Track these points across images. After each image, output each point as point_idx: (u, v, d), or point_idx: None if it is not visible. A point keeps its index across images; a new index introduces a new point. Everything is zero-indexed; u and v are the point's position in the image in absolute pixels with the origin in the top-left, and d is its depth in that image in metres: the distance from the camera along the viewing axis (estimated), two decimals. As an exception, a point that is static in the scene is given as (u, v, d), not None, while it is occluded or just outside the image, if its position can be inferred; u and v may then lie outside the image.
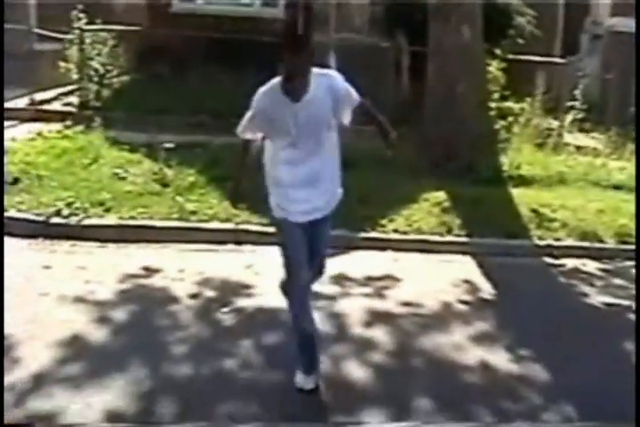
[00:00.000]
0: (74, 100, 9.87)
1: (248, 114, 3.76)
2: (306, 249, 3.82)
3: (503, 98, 10.64)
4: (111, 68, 9.99)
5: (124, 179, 6.92)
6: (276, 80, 3.60)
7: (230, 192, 4.10)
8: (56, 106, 9.90)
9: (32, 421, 3.07)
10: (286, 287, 3.96)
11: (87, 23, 9.67)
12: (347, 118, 3.81)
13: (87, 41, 9.77)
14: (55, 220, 6.08)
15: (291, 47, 3.38)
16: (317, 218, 3.84)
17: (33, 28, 10.18)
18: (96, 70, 9.83)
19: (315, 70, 3.54)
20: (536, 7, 12.84)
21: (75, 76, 9.80)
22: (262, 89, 3.65)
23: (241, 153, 3.94)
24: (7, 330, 4.16)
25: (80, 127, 8.45)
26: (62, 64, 9.74)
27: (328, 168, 3.81)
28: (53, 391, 3.60)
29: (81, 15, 9.56)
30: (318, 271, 4.13)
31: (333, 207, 3.95)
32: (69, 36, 9.74)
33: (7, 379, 3.67)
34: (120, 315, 4.56)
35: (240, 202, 4.23)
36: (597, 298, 5.64)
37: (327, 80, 3.61)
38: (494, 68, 10.74)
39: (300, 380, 3.80)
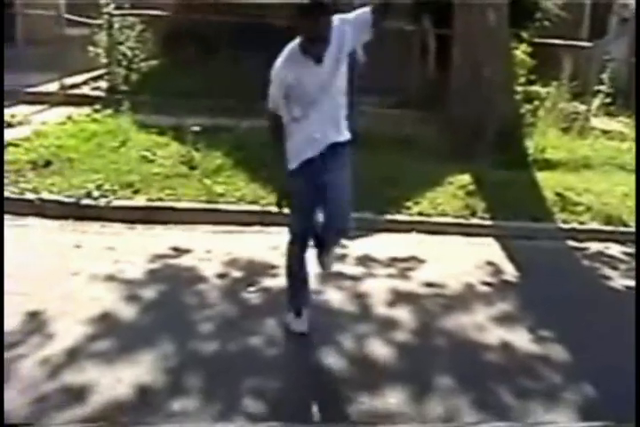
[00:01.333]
0: (103, 84, 10.00)
1: (272, 87, 3.79)
2: (314, 203, 3.90)
3: (530, 82, 10.60)
4: (139, 52, 10.08)
5: (152, 161, 7.03)
6: (292, 46, 3.69)
7: (279, 195, 4.06)
8: (85, 90, 10.04)
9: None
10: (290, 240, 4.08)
11: (115, 8, 9.77)
12: (363, 38, 3.85)
13: (116, 26, 9.88)
14: (85, 201, 6.21)
15: (315, 11, 3.48)
16: (331, 151, 3.85)
17: (63, 14, 10.29)
18: (124, 55, 9.95)
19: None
20: (562, -10, 12.71)
21: (103, 61, 9.93)
22: (280, 58, 3.72)
23: (273, 134, 3.91)
24: (41, 306, 4.31)
25: (109, 111, 8.57)
26: (91, 49, 9.85)
27: (339, 108, 3.87)
28: (85, 366, 3.72)
29: (109, 0, 9.67)
30: (341, 229, 4.02)
31: (346, 146, 3.95)
32: (98, 21, 9.85)
33: (42, 353, 3.81)
34: (149, 293, 4.67)
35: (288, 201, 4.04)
36: (620, 281, 5.66)
37: (338, 26, 3.64)
38: (521, 51, 10.69)
39: (292, 322, 4.07)
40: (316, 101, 3.74)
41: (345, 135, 3.96)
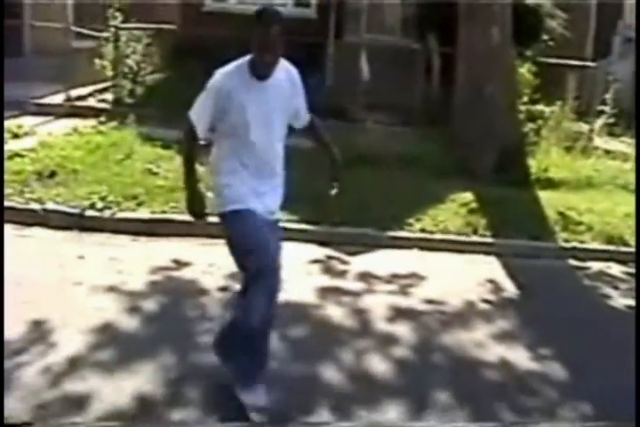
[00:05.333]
0: (108, 96, 10.06)
1: (203, 96, 3.54)
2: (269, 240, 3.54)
3: (534, 101, 10.67)
4: (145, 65, 10.17)
5: (156, 174, 7.07)
6: (240, 61, 3.51)
7: (189, 205, 3.66)
8: (91, 102, 10.11)
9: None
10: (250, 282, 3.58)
11: (122, 22, 9.87)
12: (298, 121, 3.72)
13: (122, 39, 9.96)
14: (89, 213, 6.24)
15: (263, 19, 3.40)
16: (269, 220, 3.63)
17: (71, 26, 10.39)
18: (130, 68, 10.03)
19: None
20: (568, 10, 12.81)
21: (110, 73, 10.01)
22: (223, 70, 3.53)
23: (186, 153, 3.66)
24: (44, 315, 4.33)
25: (114, 123, 8.62)
26: (98, 61, 9.94)
27: (278, 163, 3.64)
28: (86, 375, 3.75)
29: (117, 14, 9.77)
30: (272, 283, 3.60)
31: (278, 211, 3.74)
32: (105, 34, 9.94)
33: (43, 362, 3.83)
34: (150, 305, 4.70)
35: (203, 212, 3.68)
36: (620, 301, 5.68)
37: (289, 70, 3.58)
38: (525, 70, 10.77)
39: (246, 396, 3.51)
40: (256, 130, 3.47)
41: (278, 204, 3.71)
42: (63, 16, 10.52)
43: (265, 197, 3.57)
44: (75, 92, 10.05)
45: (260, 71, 3.46)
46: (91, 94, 10.29)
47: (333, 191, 3.82)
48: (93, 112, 9.35)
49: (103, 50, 9.97)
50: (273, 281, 3.54)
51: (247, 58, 3.49)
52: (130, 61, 10.04)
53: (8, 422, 2.36)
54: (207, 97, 3.52)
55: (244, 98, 3.45)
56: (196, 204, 3.61)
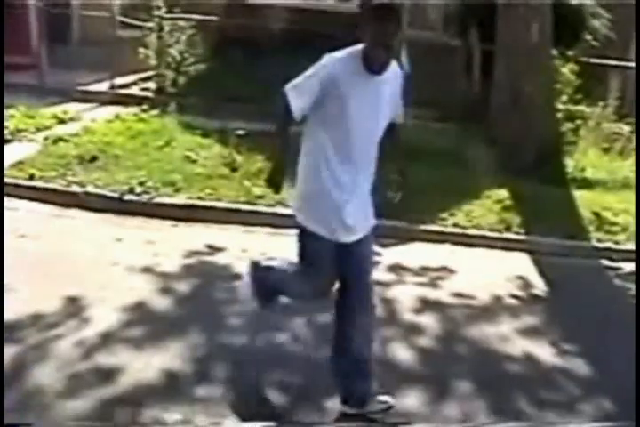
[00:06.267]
0: (151, 85, 10.23)
1: (309, 75, 3.28)
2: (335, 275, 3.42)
3: (575, 101, 10.59)
4: (188, 55, 10.31)
5: (194, 162, 7.20)
6: (353, 49, 3.29)
7: (271, 176, 3.40)
8: (134, 90, 10.28)
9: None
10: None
11: (167, 12, 10.03)
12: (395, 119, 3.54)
13: (166, 29, 10.12)
14: (128, 197, 6.39)
15: (383, 13, 3.15)
16: (359, 238, 3.42)
17: (116, 16, 10.58)
18: (173, 57, 10.18)
19: None
20: (612, 10, 12.67)
21: (153, 63, 10.17)
22: (336, 54, 3.30)
23: (280, 127, 3.37)
24: (80, 292, 4.47)
25: (156, 111, 8.78)
26: (142, 51, 10.11)
27: (372, 164, 3.43)
28: (117, 350, 3.88)
29: (161, 4, 9.93)
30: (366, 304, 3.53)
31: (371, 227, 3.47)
32: (149, 24, 10.11)
33: (77, 336, 3.97)
34: (183, 287, 4.82)
35: (280, 185, 3.42)
36: (651, 302, 5.66)
37: (395, 67, 3.39)
38: (567, 70, 10.69)
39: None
40: (357, 125, 3.27)
41: (371, 219, 3.50)
42: (109, 6, 10.68)
43: (348, 207, 3.34)
44: (119, 81, 10.25)
45: (375, 67, 3.25)
46: (134, 83, 10.47)
47: (396, 198, 3.71)
48: (136, 100, 9.53)
49: (147, 39, 10.14)
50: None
51: (358, 48, 3.28)
52: (173, 51, 10.19)
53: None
54: (314, 75, 3.26)
55: (351, 89, 3.24)
56: (276, 177, 3.36)
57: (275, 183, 3.38)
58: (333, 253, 3.38)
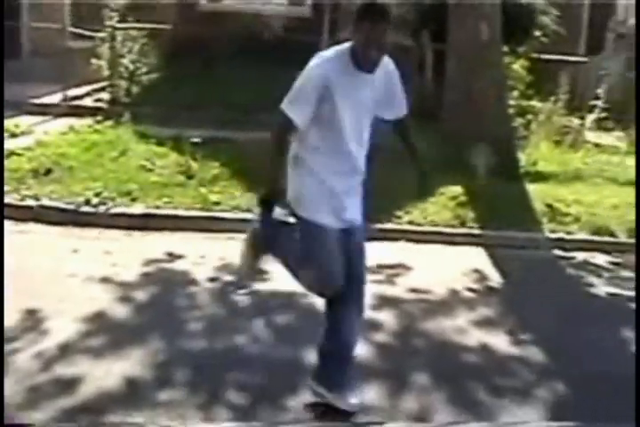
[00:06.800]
0: (105, 96, 10.20)
1: (302, 84, 3.31)
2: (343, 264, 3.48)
3: (527, 96, 10.79)
4: (141, 65, 10.32)
5: (150, 170, 7.22)
6: (341, 48, 3.34)
7: (270, 194, 3.44)
8: (88, 102, 10.25)
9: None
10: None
11: (118, 21, 10.02)
12: (388, 114, 3.55)
13: (118, 39, 10.11)
14: (84, 208, 6.39)
15: (374, 12, 3.22)
16: (352, 227, 3.51)
17: (67, 27, 10.54)
18: (126, 67, 10.17)
19: None
20: (561, 6, 12.92)
21: (106, 73, 10.14)
22: (324, 53, 3.37)
23: (278, 146, 3.37)
24: (38, 305, 4.48)
25: (110, 122, 8.77)
26: (94, 61, 10.08)
27: (363, 160, 3.50)
28: (77, 360, 3.90)
29: (112, 14, 9.92)
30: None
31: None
32: (101, 34, 10.09)
33: (35, 348, 3.98)
34: (142, 295, 4.85)
35: (274, 205, 3.47)
36: (603, 289, 5.82)
37: (387, 64, 3.42)
38: (518, 66, 10.90)
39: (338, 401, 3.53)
40: (348, 123, 3.33)
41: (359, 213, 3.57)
42: (60, 17, 10.65)
43: (344, 198, 3.43)
44: (71, 92, 10.19)
45: (366, 65, 3.29)
46: (87, 94, 10.44)
47: (422, 195, 3.78)
48: (90, 111, 9.50)
49: (99, 50, 10.11)
50: (350, 303, 3.61)
51: (346, 46, 3.32)
52: (126, 61, 10.19)
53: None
54: (307, 82, 3.30)
55: (340, 87, 3.28)
56: (274, 195, 3.42)
57: (270, 204, 3.44)
58: (340, 243, 3.46)
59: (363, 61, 3.28)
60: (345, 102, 3.30)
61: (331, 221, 3.41)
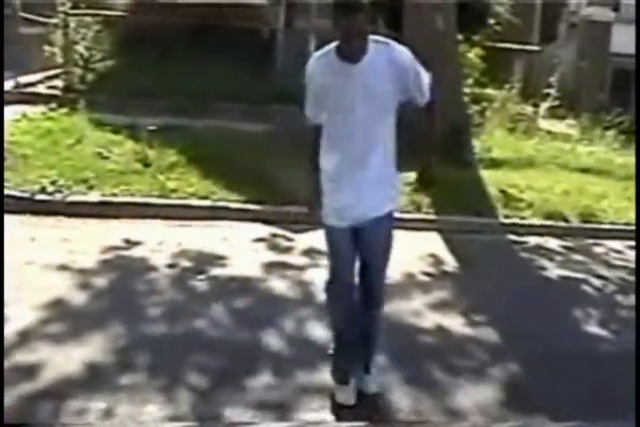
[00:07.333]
0: (59, 83, 10.10)
1: (307, 89, 3.47)
2: (353, 261, 3.58)
3: (482, 84, 10.95)
4: (95, 52, 10.22)
5: (106, 158, 7.19)
6: (330, 46, 3.39)
7: (312, 204, 3.67)
8: (41, 89, 10.12)
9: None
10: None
11: (71, 8, 9.90)
12: (419, 97, 3.49)
13: (72, 25, 9.99)
14: (40, 196, 6.33)
15: (347, 4, 3.23)
16: (365, 223, 3.50)
17: (18, 13, 10.39)
18: (81, 54, 10.08)
19: (375, 37, 3.36)
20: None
21: (59, 60, 10.03)
22: (315, 54, 3.45)
23: (310, 154, 3.52)
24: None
25: (64, 109, 8.69)
26: (47, 48, 9.96)
27: (379, 149, 3.44)
28: (37, 347, 3.89)
29: (65, 0, 9.81)
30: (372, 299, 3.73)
31: (387, 210, 3.54)
32: (54, 21, 9.96)
33: (-6, 335, 3.97)
34: (101, 281, 4.84)
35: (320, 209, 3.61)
36: (554, 271, 5.99)
37: (389, 50, 3.38)
38: (473, 54, 11.05)
39: (336, 391, 3.62)
40: (345, 115, 3.36)
41: (385, 203, 3.55)
42: (10, 2, 10.48)
43: (350, 195, 3.44)
44: (24, 79, 10.07)
45: (349, 56, 3.31)
46: (40, 81, 10.31)
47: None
48: (43, 99, 9.39)
49: (52, 37, 9.99)
50: (345, 299, 3.67)
51: (335, 43, 3.36)
52: (80, 48, 10.08)
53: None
54: (306, 84, 3.46)
55: (330, 81, 3.36)
56: (316, 204, 3.61)
57: (317, 210, 3.62)
58: (348, 240, 3.53)
59: (346, 52, 3.31)
60: (339, 95, 3.37)
61: (336, 222, 3.53)
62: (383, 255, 3.69)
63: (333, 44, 3.38)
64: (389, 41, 3.40)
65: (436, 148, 3.90)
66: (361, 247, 3.59)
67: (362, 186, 3.43)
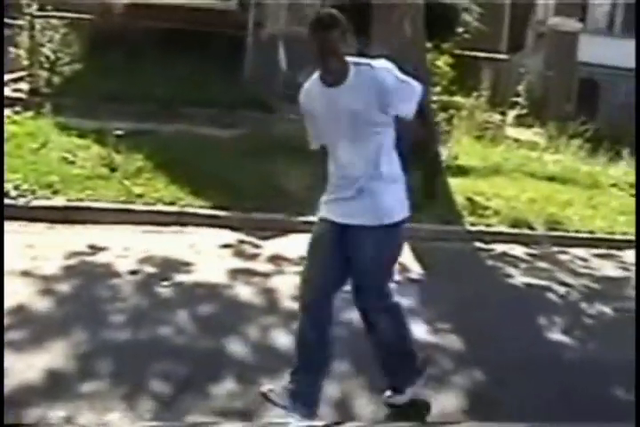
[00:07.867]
0: (24, 86, 9.97)
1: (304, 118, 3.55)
2: (332, 264, 3.50)
3: (451, 92, 11.03)
4: (62, 55, 10.12)
5: (72, 163, 7.12)
6: (315, 74, 3.43)
7: None
8: (6, 91, 9.99)
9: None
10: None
11: (38, 10, 9.79)
12: (406, 111, 3.44)
13: (38, 28, 9.88)
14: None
15: (318, 26, 3.23)
16: (355, 226, 3.46)
17: (-16, 14, 10.26)
18: (47, 57, 9.96)
19: (357, 60, 3.35)
20: (483, 5, 13.24)
21: (25, 63, 9.91)
22: (305, 84, 3.49)
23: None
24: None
25: (30, 113, 8.59)
26: (12, 50, 9.84)
27: (369, 172, 3.41)
28: (-3, 354, 3.84)
29: (31, 1, 9.69)
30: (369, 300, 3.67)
31: (379, 222, 3.46)
32: (20, 22, 9.84)
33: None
34: (64, 288, 4.79)
35: None
36: (520, 279, 6.04)
37: (371, 72, 3.32)
38: (442, 62, 11.12)
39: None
40: (330, 138, 3.42)
41: (377, 213, 3.47)
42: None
43: (347, 204, 3.48)
44: (-11, 82, 9.93)
45: (328, 78, 3.32)
46: (5, 84, 10.17)
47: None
48: (8, 102, 9.24)
49: (18, 39, 9.88)
50: (317, 313, 3.59)
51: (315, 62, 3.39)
52: (46, 50, 9.97)
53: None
54: (304, 116, 3.54)
55: (314, 106, 3.41)
56: None
57: None
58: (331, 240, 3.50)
59: (325, 75, 3.33)
60: (326, 120, 3.41)
61: (325, 213, 3.58)
62: (374, 274, 3.59)
63: (317, 73, 3.41)
64: (371, 62, 3.37)
65: (435, 135, 3.84)
66: (350, 263, 3.51)
67: (358, 197, 3.46)
